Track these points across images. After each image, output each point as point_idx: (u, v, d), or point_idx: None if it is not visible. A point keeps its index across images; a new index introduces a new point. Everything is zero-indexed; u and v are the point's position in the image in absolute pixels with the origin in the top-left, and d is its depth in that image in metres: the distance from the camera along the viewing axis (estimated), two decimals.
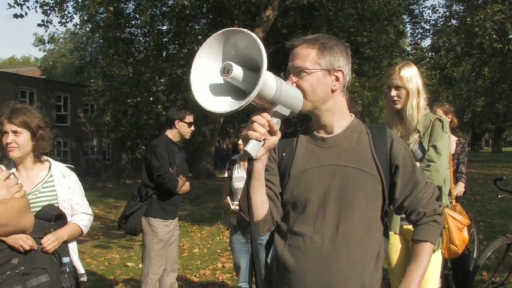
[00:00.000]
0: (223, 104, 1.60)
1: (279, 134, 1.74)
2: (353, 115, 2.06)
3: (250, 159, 1.72)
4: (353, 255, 1.85)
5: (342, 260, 1.84)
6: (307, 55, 1.91)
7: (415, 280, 1.97)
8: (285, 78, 1.91)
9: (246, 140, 1.68)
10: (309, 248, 1.87)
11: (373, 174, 1.90)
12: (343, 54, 1.93)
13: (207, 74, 1.63)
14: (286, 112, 1.77)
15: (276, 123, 1.73)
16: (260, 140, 1.67)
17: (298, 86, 1.88)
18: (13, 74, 33.13)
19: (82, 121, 34.03)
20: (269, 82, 1.61)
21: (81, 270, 3.25)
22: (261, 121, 1.67)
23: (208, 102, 1.60)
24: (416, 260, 2.01)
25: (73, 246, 3.21)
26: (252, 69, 1.59)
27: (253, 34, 1.53)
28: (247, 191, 1.77)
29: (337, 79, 1.92)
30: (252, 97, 1.50)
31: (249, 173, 1.76)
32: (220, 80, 1.63)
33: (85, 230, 3.25)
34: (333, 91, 1.92)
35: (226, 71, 1.57)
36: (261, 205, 1.87)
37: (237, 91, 1.62)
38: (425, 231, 2.01)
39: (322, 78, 1.90)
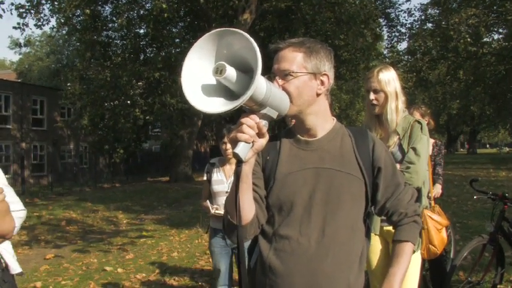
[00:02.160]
0: (216, 104, 1.60)
1: (267, 136, 1.74)
2: (335, 118, 2.07)
3: (239, 162, 1.71)
4: (339, 257, 1.85)
5: (328, 262, 1.84)
6: (293, 58, 1.91)
7: (397, 280, 1.98)
8: (271, 81, 1.88)
9: (235, 142, 1.66)
10: (295, 250, 1.87)
11: (357, 176, 1.92)
12: (328, 59, 1.95)
13: (199, 74, 1.63)
14: (274, 114, 1.77)
15: (264, 125, 1.72)
16: (249, 142, 1.67)
17: (285, 89, 1.88)
18: None
19: (59, 125, 33.72)
20: (260, 85, 1.61)
21: (16, 269, 2.96)
22: (250, 123, 1.66)
23: (200, 102, 1.60)
24: (398, 261, 2.03)
25: (6, 246, 2.94)
26: (243, 70, 1.59)
27: (249, 36, 1.53)
28: (235, 193, 1.75)
29: (322, 83, 1.92)
30: (245, 98, 1.50)
31: (237, 176, 1.74)
32: (211, 80, 1.63)
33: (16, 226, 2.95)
34: (318, 95, 1.93)
35: (219, 71, 1.56)
36: (249, 208, 1.86)
37: (226, 92, 1.63)
38: (407, 231, 2.04)
39: (308, 81, 1.90)
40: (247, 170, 1.77)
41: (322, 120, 1.98)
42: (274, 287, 1.91)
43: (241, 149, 1.65)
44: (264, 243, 1.99)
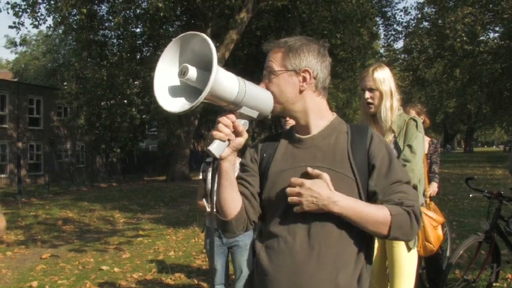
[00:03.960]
0: (178, 104, 1.68)
1: (245, 135, 1.81)
2: (335, 114, 2.04)
3: (215, 159, 1.79)
4: (325, 258, 1.81)
5: (312, 262, 1.81)
6: (275, 58, 1.93)
7: (360, 204, 1.81)
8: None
9: (211, 139, 1.75)
10: (282, 248, 1.86)
11: (347, 175, 1.86)
12: (312, 54, 1.91)
13: (168, 77, 1.71)
14: (253, 114, 1.83)
15: (243, 124, 1.80)
16: (224, 140, 1.75)
17: (268, 89, 1.91)
18: None
19: (55, 124, 33.67)
20: (226, 82, 1.66)
21: None
22: (225, 122, 1.75)
23: (166, 102, 1.68)
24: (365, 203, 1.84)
25: None
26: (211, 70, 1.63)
27: (203, 35, 1.61)
28: (211, 186, 1.85)
29: (304, 79, 1.90)
30: (203, 96, 1.55)
31: (214, 172, 1.82)
32: (178, 82, 1.71)
33: None
34: (301, 92, 1.91)
35: (182, 72, 1.65)
36: (232, 203, 1.91)
37: (197, 93, 1.67)
38: (392, 207, 1.80)
39: (288, 79, 1.90)
40: (226, 167, 1.84)
41: (314, 117, 1.95)
42: (263, 284, 1.91)
43: (216, 147, 1.74)
44: (258, 241, 2.01)
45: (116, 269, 7.56)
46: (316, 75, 1.92)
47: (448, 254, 5.93)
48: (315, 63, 1.91)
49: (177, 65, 1.71)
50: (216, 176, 1.89)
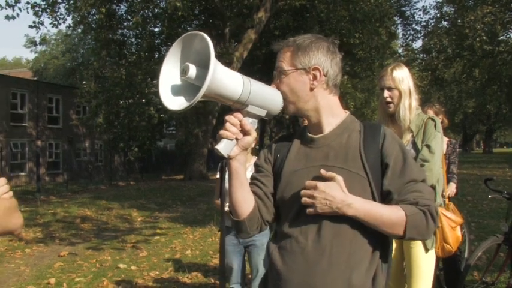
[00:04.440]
0: (178, 102, 1.70)
1: (254, 134, 1.81)
2: (347, 112, 2.02)
3: (223, 158, 1.79)
4: (337, 257, 1.79)
5: (324, 262, 1.79)
6: (284, 57, 1.93)
7: (375, 205, 1.79)
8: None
9: (219, 139, 1.76)
10: (294, 248, 1.86)
11: (360, 174, 1.84)
12: (321, 52, 1.90)
13: (172, 77, 1.74)
14: (261, 113, 1.84)
15: (251, 123, 1.81)
16: (232, 139, 1.76)
17: (278, 89, 1.91)
18: (4, 76, 32.91)
19: (74, 123, 33.92)
20: (227, 80, 1.68)
21: None
22: (232, 121, 1.76)
23: (168, 101, 1.71)
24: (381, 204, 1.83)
25: None
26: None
27: (202, 33, 1.64)
28: (220, 183, 1.88)
29: (314, 77, 1.89)
30: (201, 93, 1.57)
31: (222, 169, 1.83)
32: (183, 81, 1.74)
33: None
34: (311, 90, 1.90)
35: (184, 71, 1.67)
36: (244, 203, 1.91)
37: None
38: (407, 207, 1.79)
39: (298, 78, 1.89)
40: (236, 166, 1.84)
41: (326, 116, 1.94)
42: (276, 285, 1.91)
43: (224, 146, 1.75)
44: (272, 242, 2.01)
45: (133, 267, 7.59)
46: (327, 73, 1.91)
47: (466, 256, 5.87)
48: (324, 60, 1.90)
49: (180, 65, 1.73)
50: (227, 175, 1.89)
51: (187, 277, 6.87)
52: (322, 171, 1.80)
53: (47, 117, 32.90)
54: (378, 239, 1.87)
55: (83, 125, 32.29)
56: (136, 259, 8.21)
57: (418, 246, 3.35)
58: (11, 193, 1.76)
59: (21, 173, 28.94)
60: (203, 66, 1.64)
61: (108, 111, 24.46)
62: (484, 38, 25.33)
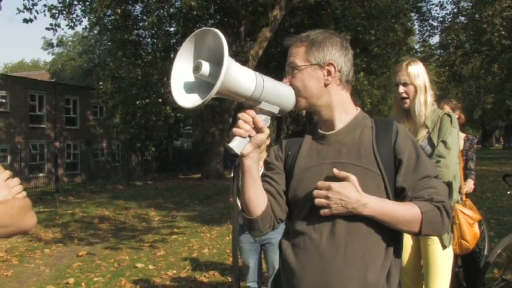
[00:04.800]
0: (191, 99, 1.69)
1: (266, 131, 1.79)
2: (359, 109, 2.00)
3: (236, 155, 1.78)
4: (352, 254, 1.78)
5: (339, 259, 1.78)
6: (297, 53, 1.91)
7: (390, 204, 1.78)
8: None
9: (232, 136, 1.75)
10: (308, 246, 1.84)
11: (373, 171, 1.83)
12: (335, 47, 1.89)
13: (184, 74, 1.73)
14: (274, 109, 1.82)
15: (264, 120, 1.80)
16: (245, 137, 1.74)
17: (291, 84, 1.89)
18: (23, 78, 33.34)
19: (91, 123, 34.15)
20: (240, 76, 1.66)
21: None
22: (245, 118, 1.74)
23: (181, 98, 1.69)
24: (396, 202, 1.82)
25: None
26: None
27: (215, 29, 1.62)
28: (232, 182, 1.88)
29: (329, 73, 1.88)
30: (215, 89, 1.55)
31: (235, 166, 1.83)
32: (196, 78, 1.73)
33: None
34: (326, 85, 1.89)
35: (197, 68, 1.66)
36: (257, 201, 1.89)
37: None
38: (422, 204, 1.77)
39: (313, 73, 1.88)
40: (249, 164, 1.82)
41: (338, 112, 1.92)
42: (290, 283, 1.90)
43: (237, 144, 1.74)
44: (284, 239, 2.00)
45: (150, 267, 7.62)
46: (341, 69, 1.90)
47: (485, 253, 5.81)
48: (338, 56, 1.89)
49: (192, 62, 1.71)
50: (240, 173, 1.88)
51: (204, 276, 6.88)
52: (335, 170, 1.79)
53: (65, 118, 33.16)
54: (391, 234, 1.86)
55: (100, 125, 32.48)
56: (153, 258, 8.24)
57: (435, 243, 3.31)
58: (24, 193, 1.77)
59: (40, 174, 29.21)
60: (215, 63, 1.63)
61: (125, 111, 24.57)
62: (503, 32, 25.06)
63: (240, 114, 1.75)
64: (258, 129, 1.76)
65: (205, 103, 1.63)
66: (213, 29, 1.63)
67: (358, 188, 1.75)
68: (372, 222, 1.79)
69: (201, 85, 1.70)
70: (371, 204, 1.73)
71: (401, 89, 3.34)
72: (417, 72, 3.31)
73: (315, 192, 1.77)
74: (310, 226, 1.86)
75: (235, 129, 1.74)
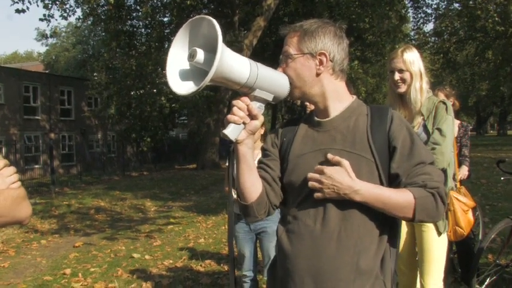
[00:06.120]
0: (187, 87, 1.70)
1: (261, 118, 1.81)
2: (354, 97, 2.01)
3: (231, 142, 1.81)
4: (345, 241, 1.79)
5: (332, 245, 1.80)
6: (291, 42, 1.92)
7: (383, 190, 1.78)
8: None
9: (226, 123, 1.76)
10: (302, 231, 1.86)
11: (367, 157, 1.83)
12: (328, 37, 1.89)
13: (180, 61, 1.74)
14: (268, 97, 1.84)
15: (258, 107, 1.82)
16: (239, 124, 1.77)
17: (285, 73, 1.91)
18: (16, 69, 33.16)
19: (86, 115, 34.09)
20: (234, 63, 1.68)
21: None
22: (240, 105, 1.77)
23: (176, 85, 1.71)
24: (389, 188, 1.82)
25: None
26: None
27: (209, 17, 1.64)
28: (228, 168, 1.88)
29: (321, 62, 1.88)
30: (209, 76, 1.57)
31: (229, 153, 1.85)
32: (191, 65, 1.74)
33: None
34: (318, 75, 1.90)
35: (191, 56, 1.68)
36: (252, 187, 1.91)
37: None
38: (416, 190, 1.78)
39: (305, 62, 1.89)
40: (243, 150, 1.84)
41: (332, 100, 1.93)
42: (284, 268, 1.92)
43: (231, 130, 1.76)
44: (280, 225, 2.02)
45: (147, 257, 7.63)
46: (333, 58, 1.90)
47: (480, 238, 5.84)
48: (331, 45, 1.89)
49: (187, 50, 1.73)
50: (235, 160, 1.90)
51: (200, 265, 6.90)
52: (329, 155, 1.80)
53: (60, 109, 33.07)
54: (386, 222, 1.87)
55: (95, 116, 32.48)
56: (150, 248, 8.25)
57: (430, 230, 3.33)
58: (19, 183, 1.76)
59: (36, 166, 29.17)
60: (210, 51, 1.64)
61: (120, 102, 24.56)
62: (497, 19, 25.02)
63: (235, 102, 1.77)
64: (252, 116, 1.79)
65: (200, 90, 1.64)
66: (207, 17, 1.64)
67: (351, 173, 1.76)
68: (366, 209, 1.80)
69: (196, 72, 1.72)
70: (363, 190, 1.75)
71: (396, 76, 3.34)
72: (413, 59, 3.32)
73: (309, 175, 1.79)
74: (305, 212, 1.88)
75: (229, 116, 1.76)
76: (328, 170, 1.75)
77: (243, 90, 1.78)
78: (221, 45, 1.56)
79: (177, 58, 1.73)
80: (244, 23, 25.18)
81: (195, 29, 1.70)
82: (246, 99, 1.78)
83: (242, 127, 1.79)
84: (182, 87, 1.70)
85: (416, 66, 3.31)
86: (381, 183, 1.83)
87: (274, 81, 1.84)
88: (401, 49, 3.40)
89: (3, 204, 1.63)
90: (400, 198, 1.76)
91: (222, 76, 1.64)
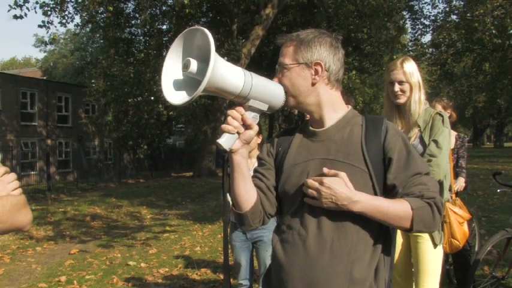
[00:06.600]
0: (180, 97, 1.72)
1: (255, 128, 1.84)
2: (350, 107, 2.02)
3: (225, 151, 1.82)
4: (338, 250, 1.80)
5: (325, 255, 1.80)
6: (287, 52, 1.94)
7: (381, 201, 1.79)
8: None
9: (221, 133, 1.79)
10: (296, 241, 1.87)
11: (360, 168, 1.84)
12: (324, 47, 1.91)
13: (174, 72, 1.76)
14: (263, 107, 1.86)
15: (253, 117, 1.84)
16: (233, 133, 1.79)
17: (280, 83, 1.93)
18: (14, 75, 33.10)
19: (83, 121, 34.03)
20: (228, 74, 1.70)
21: None
22: (234, 115, 1.79)
23: (170, 95, 1.73)
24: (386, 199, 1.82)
25: None
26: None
27: (202, 28, 1.67)
28: (223, 178, 1.89)
29: (316, 72, 1.90)
30: (202, 86, 1.58)
31: (225, 161, 1.87)
32: (185, 76, 1.76)
33: None
34: (313, 84, 1.91)
35: (185, 66, 1.70)
36: (246, 196, 1.93)
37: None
38: (413, 200, 1.79)
39: (300, 72, 1.90)
40: (238, 160, 1.86)
41: (327, 110, 1.95)
42: (278, 277, 1.93)
43: (225, 140, 1.78)
44: (274, 234, 2.04)
45: (142, 265, 7.62)
46: (329, 68, 1.91)
47: (476, 250, 5.85)
48: (326, 55, 1.91)
49: (182, 61, 1.75)
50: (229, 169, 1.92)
51: (196, 274, 6.89)
52: (325, 169, 1.81)
53: (57, 116, 33.03)
54: (381, 231, 1.88)
55: (92, 123, 32.36)
56: (146, 256, 8.24)
57: (426, 241, 3.34)
58: (20, 189, 1.77)
59: (32, 172, 29.11)
60: (204, 61, 1.65)
61: (117, 109, 24.51)
62: (494, 31, 25.16)
63: (229, 111, 1.79)
64: (246, 126, 1.81)
65: (193, 100, 1.66)
66: (201, 27, 1.66)
67: (348, 184, 1.77)
68: (359, 218, 1.81)
69: (191, 83, 1.73)
70: (362, 201, 1.75)
71: (397, 87, 3.34)
72: (412, 71, 3.33)
73: (309, 182, 1.79)
74: (298, 221, 1.89)
75: (224, 126, 1.78)
76: (327, 180, 1.76)
77: (238, 100, 1.79)
78: (214, 56, 1.58)
79: (172, 69, 1.76)
80: (243, 32, 25.24)
81: (190, 40, 1.72)
82: (240, 109, 1.80)
83: (236, 137, 1.80)
84: (176, 97, 1.72)
85: (416, 78, 3.33)
86: (375, 194, 1.84)
87: (269, 91, 1.86)
88: (400, 60, 3.40)
89: (3, 211, 1.62)
90: (398, 209, 1.77)
91: (216, 86, 1.66)
